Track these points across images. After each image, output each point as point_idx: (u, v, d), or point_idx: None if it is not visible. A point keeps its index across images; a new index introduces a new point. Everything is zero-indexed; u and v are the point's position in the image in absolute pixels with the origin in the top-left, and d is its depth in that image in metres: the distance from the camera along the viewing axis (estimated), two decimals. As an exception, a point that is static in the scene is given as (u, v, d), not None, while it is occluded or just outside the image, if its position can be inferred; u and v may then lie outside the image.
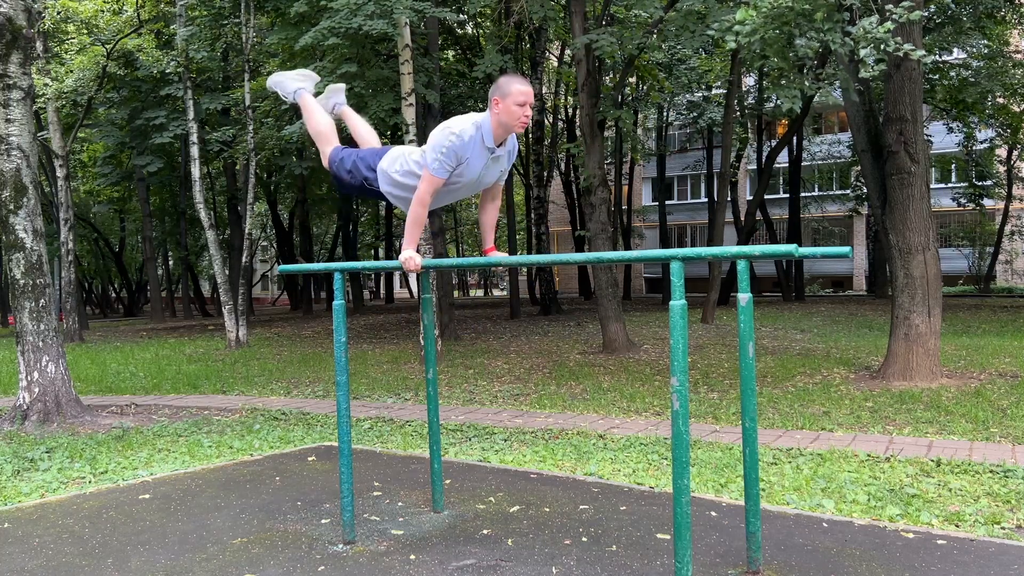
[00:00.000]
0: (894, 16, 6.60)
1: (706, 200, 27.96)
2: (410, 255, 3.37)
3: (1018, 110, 21.89)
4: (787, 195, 26.21)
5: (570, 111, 25.08)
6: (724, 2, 10.93)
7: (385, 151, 3.63)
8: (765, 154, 23.59)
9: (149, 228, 25.20)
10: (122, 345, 16.44)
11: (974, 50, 19.58)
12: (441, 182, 3.35)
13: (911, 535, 3.58)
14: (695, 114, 25.72)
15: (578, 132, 19.38)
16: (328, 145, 3.77)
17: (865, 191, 22.65)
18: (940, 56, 20.18)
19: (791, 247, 2.53)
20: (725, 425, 6.68)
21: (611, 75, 21.65)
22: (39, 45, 17.08)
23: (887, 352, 8.57)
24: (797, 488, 4.58)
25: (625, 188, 29.28)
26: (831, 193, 29.95)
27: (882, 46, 6.46)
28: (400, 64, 12.29)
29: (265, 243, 40.06)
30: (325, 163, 3.78)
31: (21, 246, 7.37)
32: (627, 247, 29.06)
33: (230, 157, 19.01)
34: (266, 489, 4.56)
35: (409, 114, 12.26)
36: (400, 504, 4.17)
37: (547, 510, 4.01)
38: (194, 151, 15.23)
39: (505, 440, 6.34)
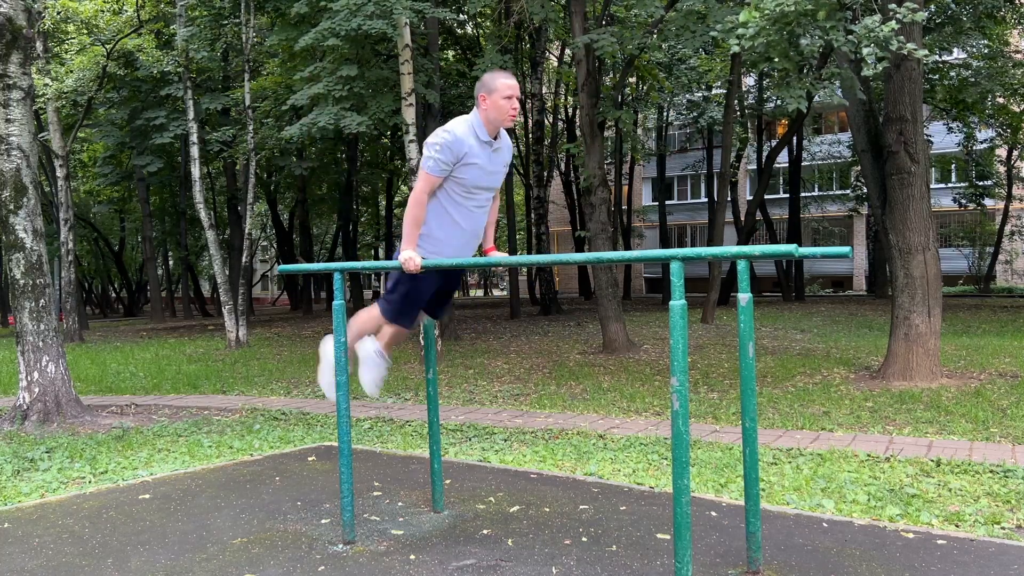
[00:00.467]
0: (898, 16, 6.60)
1: (706, 200, 27.97)
2: (410, 255, 3.37)
3: (1018, 110, 21.89)
4: (787, 195, 26.22)
5: (570, 111, 25.09)
6: (724, 2, 10.93)
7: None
8: (765, 154, 23.61)
9: (149, 228, 25.21)
10: (122, 345, 16.44)
11: (974, 50, 19.58)
12: (437, 180, 3.38)
13: (911, 535, 3.58)
14: (695, 114, 25.73)
15: (578, 132, 19.37)
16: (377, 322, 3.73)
17: (865, 191, 22.66)
18: (940, 56, 20.18)
19: (791, 247, 2.53)
20: (725, 425, 6.68)
21: (611, 75, 21.65)
22: (39, 45, 17.07)
23: (887, 352, 8.57)
24: (797, 488, 4.58)
25: (625, 188, 29.28)
26: (831, 193, 29.96)
27: (885, 45, 6.47)
28: (400, 64, 12.29)
29: (265, 243, 40.06)
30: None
31: (21, 246, 7.37)
32: (627, 247, 29.06)
33: (230, 157, 19.01)
34: (266, 489, 4.56)
35: (409, 114, 12.26)
36: (400, 504, 4.17)
37: (547, 510, 4.01)
38: (194, 151, 15.23)
39: (505, 440, 6.34)
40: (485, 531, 3.69)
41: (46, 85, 16.52)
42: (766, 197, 25.35)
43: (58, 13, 18.04)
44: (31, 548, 3.59)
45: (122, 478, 5.14)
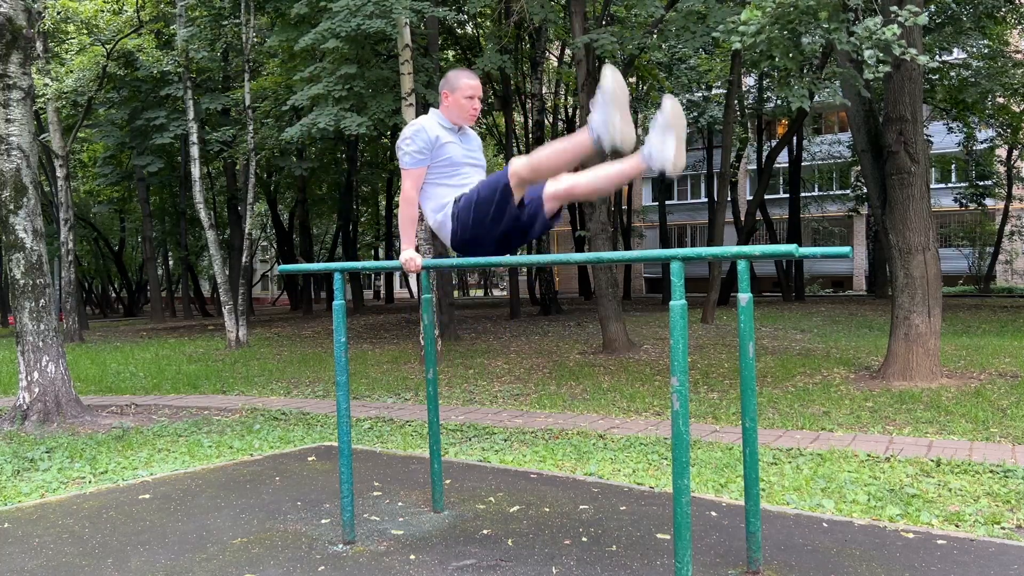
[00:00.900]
0: (900, 18, 6.60)
1: (706, 200, 27.97)
2: (411, 255, 3.37)
3: (1018, 110, 21.89)
4: (787, 195, 26.21)
5: (570, 111, 25.08)
6: (724, 2, 10.93)
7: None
8: (765, 154, 23.61)
9: (149, 228, 25.20)
10: (122, 345, 16.44)
11: (974, 50, 19.58)
12: (420, 172, 3.39)
13: (911, 535, 3.58)
14: (695, 113, 25.72)
15: (578, 132, 19.33)
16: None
17: (865, 191, 22.66)
18: (940, 56, 20.18)
19: (791, 247, 2.53)
20: (725, 425, 6.68)
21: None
22: (39, 45, 17.07)
23: (887, 352, 8.57)
24: (797, 488, 4.58)
25: (625, 188, 29.28)
26: (831, 193, 29.96)
27: (887, 49, 6.47)
28: (400, 64, 12.29)
29: (265, 243, 40.05)
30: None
31: (21, 246, 7.37)
32: (627, 247, 29.07)
33: (230, 157, 19.01)
34: (266, 489, 4.56)
35: (409, 114, 12.25)
36: (400, 504, 4.17)
37: (547, 510, 4.01)
38: (194, 151, 15.23)
39: (505, 440, 6.34)
40: (485, 531, 3.69)
41: (46, 85, 16.52)
42: (766, 197, 25.35)
43: (58, 13, 18.03)
44: (31, 548, 3.59)
45: (122, 478, 5.14)
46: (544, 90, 21.93)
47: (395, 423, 7.33)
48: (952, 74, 19.65)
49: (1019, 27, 19.81)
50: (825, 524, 3.76)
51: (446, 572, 3.18)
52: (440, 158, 3.41)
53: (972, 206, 25.58)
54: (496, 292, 49.58)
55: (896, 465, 5.11)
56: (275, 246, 34.91)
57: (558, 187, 3.20)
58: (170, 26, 18.31)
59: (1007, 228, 26.84)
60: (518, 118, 26.34)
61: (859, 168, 18.50)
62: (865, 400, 7.44)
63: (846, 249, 2.79)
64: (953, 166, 28.08)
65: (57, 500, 4.47)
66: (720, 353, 11.19)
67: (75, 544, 3.63)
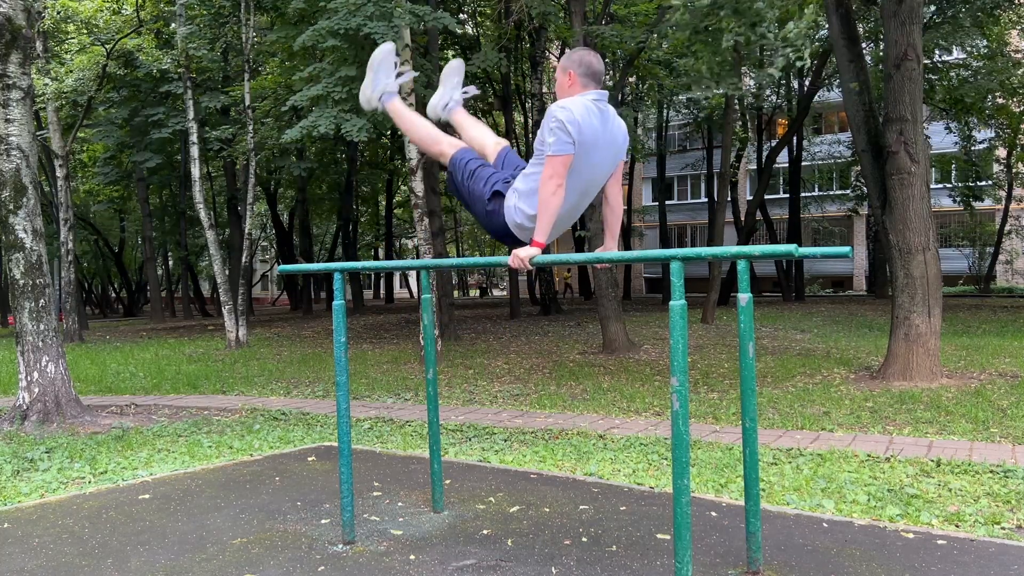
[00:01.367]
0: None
1: (706, 200, 27.98)
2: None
3: (1018, 110, 21.89)
4: (787, 195, 26.22)
5: (570, 111, 24.98)
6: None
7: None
8: (765, 154, 23.62)
9: (149, 228, 25.21)
10: (122, 345, 16.44)
11: (973, 50, 19.58)
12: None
13: (911, 535, 3.58)
14: (695, 110, 25.73)
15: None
16: (446, 146, 3.32)
17: (865, 191, 22.65)
18: (940, 56, 20.17)
19: (791, 247, 2.53)
20: (725, 425, 6.68)
21: (611, 74, 21.64)
22: (39, 45, 17.07)
23: (887, 352, 8.57)
24: (797, 488, 4.58)
25: (625, 188, 29.29)
26: (831, 193, 29.96)
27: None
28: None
29: (265, 243, 40.06)
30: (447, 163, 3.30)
31: (21, 246, 7.37)
32: (627, 247, 29.07)
33: (229, 156, 19.01)
34: (266, 489, 4.55)
35: (409, 114, 12.24)
36: (400, 504, 4.17)
37: (547, 510, 4.01)
38: (194, 151, 15.23)
39: (505, 440, 6.34)
40: (485, 531, 3.69)
41: (46, 85, 16.52)
42: (766, 197, 25.35)
43: (58, 13, 18.03)
44: (31, 548, 3.59)
45: (122, 478, 5.14)
46: (544, 90, 21.92)
47: (395, 423, 7.33)
48: (952, 74, 19.65)
49: (1019, 27, 19.81)
50: (825, 524, 3.76)
51: (446, 572, 3.18)
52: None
53: (963, 207, 25.57)
54: (496, 292, 49.56)
55: (896, 465, 5.11)
56: (275, 246, 34.92)
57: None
58: (170, 25, 18.31)
59: (1007, 228, 26.85)
60: (518, 118, 26.36)
61: (859, 168, 18.49)
62: (865, 400, 7.44)
63: (846, 249, 2.79)
64: (953, 166, 28.08)
65: (57, 500, 4.47)
66: (720, 353, 11.19)
67: (75, 544, 3.62)
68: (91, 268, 38.19)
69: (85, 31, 18.89)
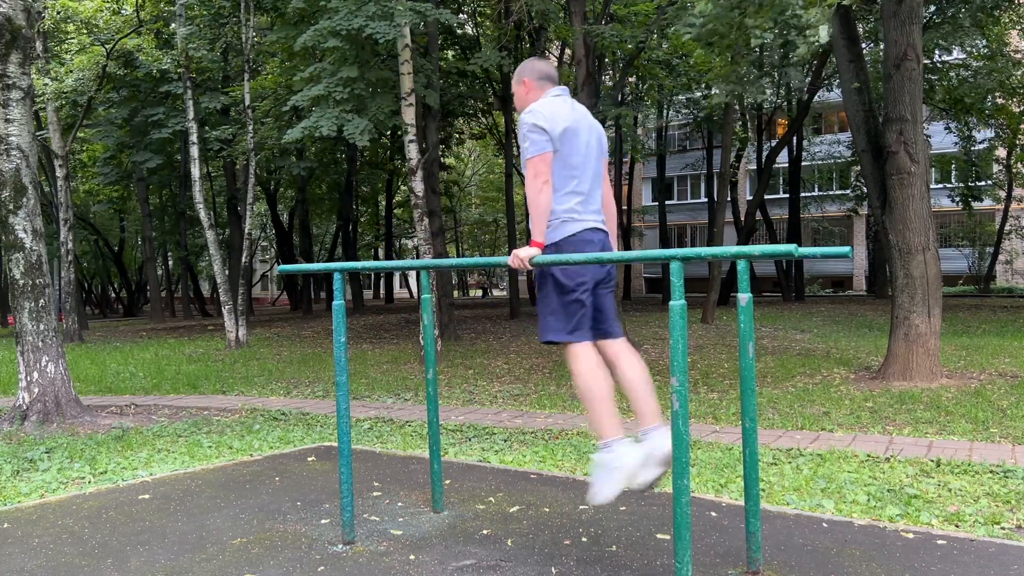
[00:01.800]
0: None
1: (706, 200, 27.98)
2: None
3: (1018, 110, 21.90)
4: (787, 195, 26.23)
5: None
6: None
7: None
8: (765, 154, 23.62)
9: (149, 228, 25.20)
10: (122, 345, 16.44)
11: (973, 50, 19.58)
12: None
13: (911, 535, 3.58)
14: (695, 110, 25.73)
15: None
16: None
17: (865, 191, 22.66)
18: (940, 56, 20.16)
19: (791, 247, 2.53)
20: (725, 425, 6.68)
21: (611, 74, 21.65)
22: (39, 45, 17.07)
23: (887, 352, 8.57)
24: (797, 488, 4.58)
25: (625, 188, 29.29)
26: (831, 193, 29.98)
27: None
28: (400, 64, 12.28)
29: (265, 243, 40.06)
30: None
31: (21, 246, 7.37)
32: (627, 247, 29.07)
33: (229, 156, 19.01)
34: (266, 489, 4.55)
35: (409, 115, 12.25)
36: (400, 504, 4.17)
37: (547, 510, 4.01)
38: (194, 151, 15.23)
39: (505, 440, 6.34)
40: (485, 531, 3.69)
41: (46, 85, 16.52)
42: (766, 197, 25.36)
43: (58, 13, 18.04)
44: (31, 548, 3.59)
45: (122, 478, 5.14)
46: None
47: (395, 423, 7.33)
48: (952, 74, 19.65)
49: (1019, 27, 19.80)
50: (825, 524, 3.76)
51: (446, 572, 3.18)
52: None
53: (963, 207, 25.58)
54: (496, 292, 49.57)
55: (896, 465, 5.11)
56: (275, 246, 34.93)
57: None
58: (170, 26, 18.30)
59: (1007, 228, 26.85)
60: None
61: (859, 168, 18.50)
62: (865, 400, 7.43)
63: (846, 249, 2.79)
64: (953, 166, 28.09)
65: (57, 500, 4.46)
66: (720, 353, 11.19)
67: (75, 544, 3.62)
68: (91, 268, 38.20)
69: (85, 31, 18.89)
